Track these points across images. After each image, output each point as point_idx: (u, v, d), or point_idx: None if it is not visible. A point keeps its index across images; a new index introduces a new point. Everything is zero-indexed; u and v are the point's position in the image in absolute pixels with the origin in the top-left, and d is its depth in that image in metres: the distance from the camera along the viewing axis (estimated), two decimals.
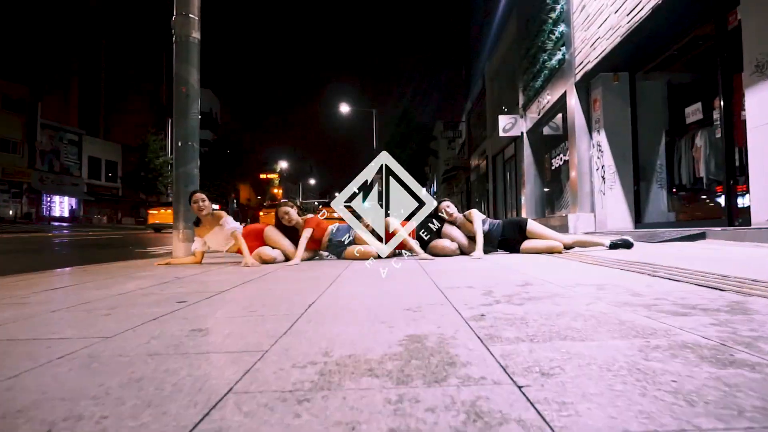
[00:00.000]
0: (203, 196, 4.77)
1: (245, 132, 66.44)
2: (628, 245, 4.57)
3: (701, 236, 5.42)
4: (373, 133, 33.01)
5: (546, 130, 13.44)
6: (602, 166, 8.83)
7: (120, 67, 48.91)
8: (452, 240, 4.69)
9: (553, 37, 10.81)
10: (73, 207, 42.67)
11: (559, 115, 12.33)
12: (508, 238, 4.73)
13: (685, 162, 7.26)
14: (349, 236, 4.77)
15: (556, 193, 12.81)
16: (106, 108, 50.37)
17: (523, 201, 14.88)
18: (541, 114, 12.49)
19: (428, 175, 45.14)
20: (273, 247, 4.70)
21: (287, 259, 4.70)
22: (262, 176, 63.19)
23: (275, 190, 67.17)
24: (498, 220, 4.90)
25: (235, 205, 49.49)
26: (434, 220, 4.88)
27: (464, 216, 4.88)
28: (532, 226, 4.69)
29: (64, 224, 35.79)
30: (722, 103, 6.09)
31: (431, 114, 40.00)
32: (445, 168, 41.24)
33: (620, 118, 8.69)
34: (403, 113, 35.82)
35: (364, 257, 4.54)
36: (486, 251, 4.81)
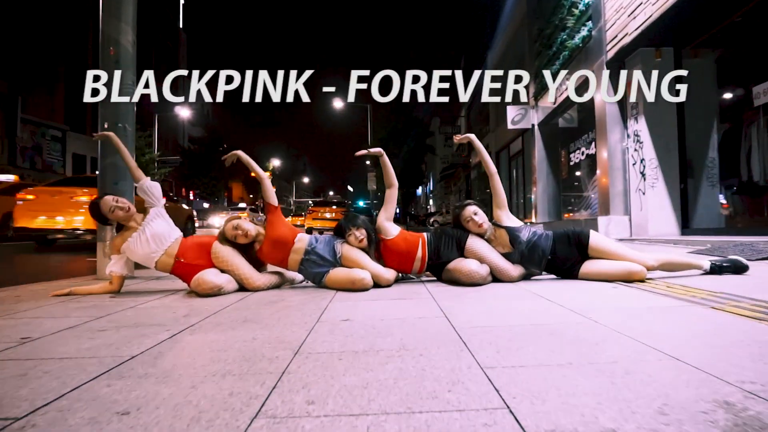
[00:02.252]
0: (115, 196, 3.31)
1: (237, 129, 64.90)
2: (739, 268, 3.12)
3: None
4: (368, 129, 31.65)
5: (561, 122, 12.02)
6: (641, 160, 7.39)
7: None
8: (481, 261, 3.22)
9: (576, 11, 9.37)
10: None
11: (576, 105, 10.92)
12: (561, 257, 3.25)
13: (758, 154, 5.83)
14: (335, 252, 3.30)
15: (574, 192, 11.38)
16: (93, 104, 48.65)
17: (533, 201, 13.44)
18: (557, 103, 11.04)
19: (425, 173, 43.67)
20: (222, 270, 3.24)
21: (241, 287, 3.24)
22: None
23: None
24: (545, 231, 3.40)
25: (225, 203, 47.85)
26: (453, 232, 3.42)
27: (494, 224, 3.42)
28: (598, 240, 3.21)
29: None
30: None
31: (428, 109, 38.55)
32: (442, 166, 39.82)
33: (663, 103, 7.25)
34: (398, 106, 34.31)
35: (356, 287, 3.07)
36: (527, 273, 3.36)
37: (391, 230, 3.36)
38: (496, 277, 3.24)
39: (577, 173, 11.00)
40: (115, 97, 4.18)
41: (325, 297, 2.83)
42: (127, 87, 4.24)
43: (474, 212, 3.33)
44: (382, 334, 1.83)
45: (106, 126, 4.15)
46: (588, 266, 3.17)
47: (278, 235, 3.29)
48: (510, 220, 3.38)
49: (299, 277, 3.54)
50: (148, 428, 1.03)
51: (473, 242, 3.31)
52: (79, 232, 8.14)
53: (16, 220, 8.10)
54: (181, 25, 57.54)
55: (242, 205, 36.96)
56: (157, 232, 3.19)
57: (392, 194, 3.55)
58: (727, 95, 7.02)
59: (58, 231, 8.19)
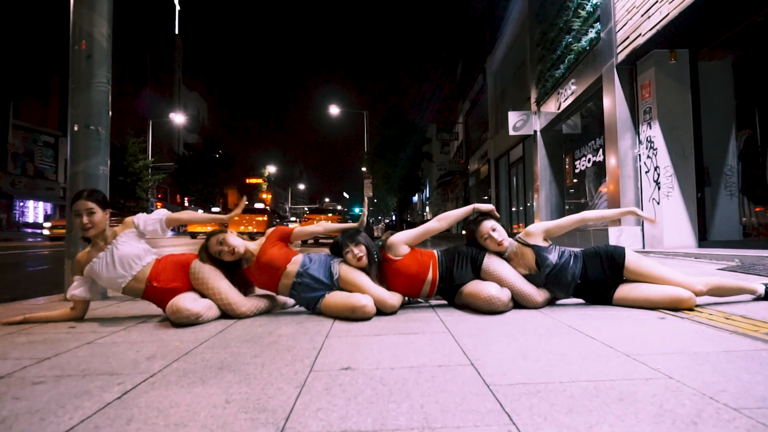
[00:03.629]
0: (91, 205, 2.81)
1: (233, 136, 64.55)
2: None
3: None
4: (364, 135, 31.32)
5: (565, 128, 11.65)
6: (655, 168, 6.99)
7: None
8: (500, 283, 2.78)
9: (583, 12, 9.00)
10: (48, 212, 40.36)
11: (581, 111, 10.54)
12: (594, 280, 2.81)
13: None
14: (332, 273, 2.86)
15: (580, 200, 10.98)
16: None
17: (535, 209, 13.03)
18: (561, 108, 10.65)
19: (422, 180, 43.30)
20: (202, 294, 2.79)
21: (223, 313, 2.79)
22: (249, 181, 61.11)
23: (263, 195, 65.07)
24: (573, 251, 2.99)
25: (220, 210, 47.25)
26: (467, 250, 2.97)
27: (519, 240, 2.96)
28: (636, 260, 2.75)
29: (38, 231, 33.47)
30: None
31: (425, 115, 38.25)
32: (439, 173, 39.41)
33: (679, 108, 6.86)
34: (394, 112, 33.96)
35: (356, 315, 2.63)
36: (552, 297, 2.92)
37: (402, 249, 2.89)
38: (516, 302, 2.80)
39: (583, 181, 10.59)
40: (86, 96, 3.75)
41: (320, 329, 2.39)
42: (100, 85, 3.81)
43: (492, 228, 2.88)
44: (395, 396, 1.39)
45: (76, 128, 3.72)
46: (625, 290, 2.73)
47: (269, 259, 2.85)
48: (538, 230, 2.93)
49: (291, 300, 3.10)
50: None
51: (491, 262, 2.86)
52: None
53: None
54: (177, 31, 57.23)
55: (215, 209, 36.41)
56: (126, 254, 2.73)
57: (432, 229, 3.05)
58: (746, 100, 6.64)
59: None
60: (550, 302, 2.91)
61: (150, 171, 35.81)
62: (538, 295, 2.79)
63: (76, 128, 3.72)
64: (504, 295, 2.67)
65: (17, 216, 37.32)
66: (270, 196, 69.70)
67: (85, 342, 2.25)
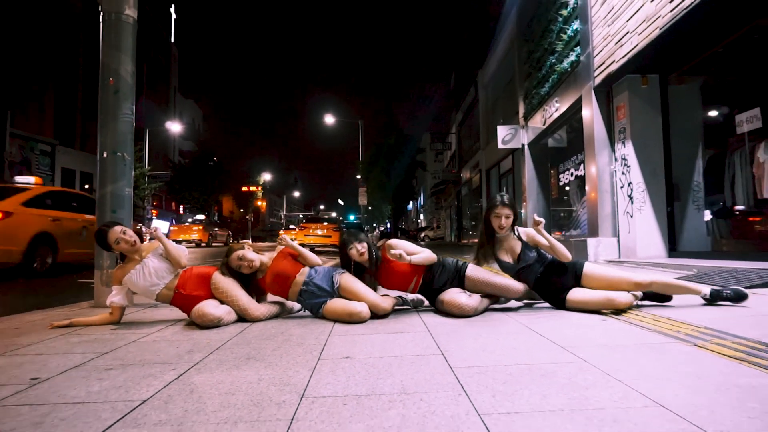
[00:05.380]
0: (122, 227, 3.33)
1: (228, 143, 64.88)
2: (739, 297, 3.22)
3: None
4: (359, 143, 31.82)
5: (551, 142, 12.24)
6: (628, 184, 7.55)
7: (98, 76, 46.79)
8: (484, 286, 3.35)
9: (564, 36, 9.59)
10: None
11: (565, 127, 11.13)
12: (556, 279, 3.37)
13: (741, 180, 6.00)
14: (334, 282, 3.38)
15: (564, 212, 11.54)
16: (83, 117, 48.33)
17: (523, 218, 13.57)
18: (546, 124, 11.24)
19: (416, 189, 43.87)
20: (221, 301, 3.30)
21: (240, 318, 3.30)
22: (245, 189, 61.44)
23: (258, 203, 65.42)
24: (547, 255, 3.46)
25: (216, 218, 47.57)
26: (451, 265, 3.51)
27: (516, 236, 3.50)
28: (591, 268, 3.33)
29: None
30: None
31: (419, 125, 38.89)
32: (433, 181, 40.03)
33: (650, 128, 7.43)
34: (389, 123, 34.55)
35: (352, 319, 3.14)
36: (530, 294, 3.52)
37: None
38: (503, 296, 3.40)
39: (567, 193, 11.16)
40: (113, 126, 4.25)
41: (323, 330, 2.90)
42: (125, 116, 4.31)
43: (506, 215, 3.41)
44: (383, 375, 1.90)
45: (105, 155, 4.22)
46: (573, 294, 3.27)
47: (281, 270, 3.38)
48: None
49: (297, 306, 3.61)
50: None
51: (473, 271, 3.42)
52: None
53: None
54: (172, 40, 57.70)
55: (200, 216, 36.75)
56: (158, 267, 3.26)
57: (430, 258, 3.47)
58: (712, 121, 7.22)
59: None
60: (529, 301, 3.51)
61: (147, 179, 36.17)
62: (517, 285, 3.41)
63: (105, 155, 4.21)
64: (473, 301, 3.22)
65: None
66: (265, 204, 70.07)
67: (130, 341, 2.74)
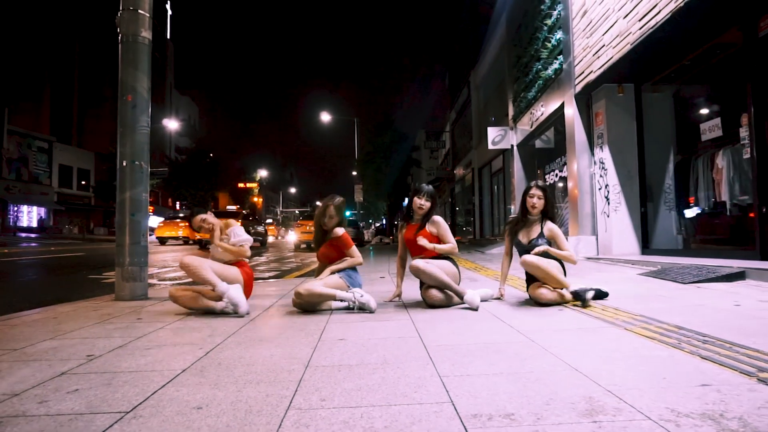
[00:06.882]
0: (203, 216, 4.04)
1: (224, 140, 65.13)
2: (600, 296, 3.79)
3: (740, 276, 4.63)
4: (354, 140, 32.28)
5: (538, 143, 12.76)
6: (606, 186, 8.08)
7: (94, 73, 47.25)
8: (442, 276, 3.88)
9: (549, 45, 10.09)
10: (43, 217, 40.94)
11: (552, 129, 11.64)
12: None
13: (703, 184, 6.53)
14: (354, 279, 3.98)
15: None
16: (79, 115, 48.66)
17: (512, 216, 14.12)
18: (533, 126, 11.76)
19: (411, 185, 44.33)
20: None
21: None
22: (241, 185, 61.80)
23: (255, 199, 65.82)
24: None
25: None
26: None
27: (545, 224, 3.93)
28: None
29: (32, 235, 34.13)
30: (753, 119, 5.37)
31: (414, 122, 39.35)
32: (428, 178, 40.54)
33: (625, 134, 7.96)
34: (385, 121, 35.05)
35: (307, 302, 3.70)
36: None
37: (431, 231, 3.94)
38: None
39: (553, 193, 11.70)
40: (131, 138, 4.72)
41: (321, 319, 3.40)
42: (142, 129, 4.78)
43: (539, 196, 3.87)
44: (370, 351, 2.41)
45: (124, 164, 4.69)
46: (531, 288, 3.79)
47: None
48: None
49: (222, 304, 3.74)
50: (219, 416, 1.59)
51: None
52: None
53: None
54: (168, 36, 57.92)
55: (182, 214, 37.30)
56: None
57: (454, 250, 3.93)
58: (683, 128, 7.74)
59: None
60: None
61: None
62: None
63: (124, 163, 4.69)
64: (441, 294, 3.72)
65: (12, 221, 37.82)
66: (261, 200, 70.47)
67: (158, 327, 3.23)
